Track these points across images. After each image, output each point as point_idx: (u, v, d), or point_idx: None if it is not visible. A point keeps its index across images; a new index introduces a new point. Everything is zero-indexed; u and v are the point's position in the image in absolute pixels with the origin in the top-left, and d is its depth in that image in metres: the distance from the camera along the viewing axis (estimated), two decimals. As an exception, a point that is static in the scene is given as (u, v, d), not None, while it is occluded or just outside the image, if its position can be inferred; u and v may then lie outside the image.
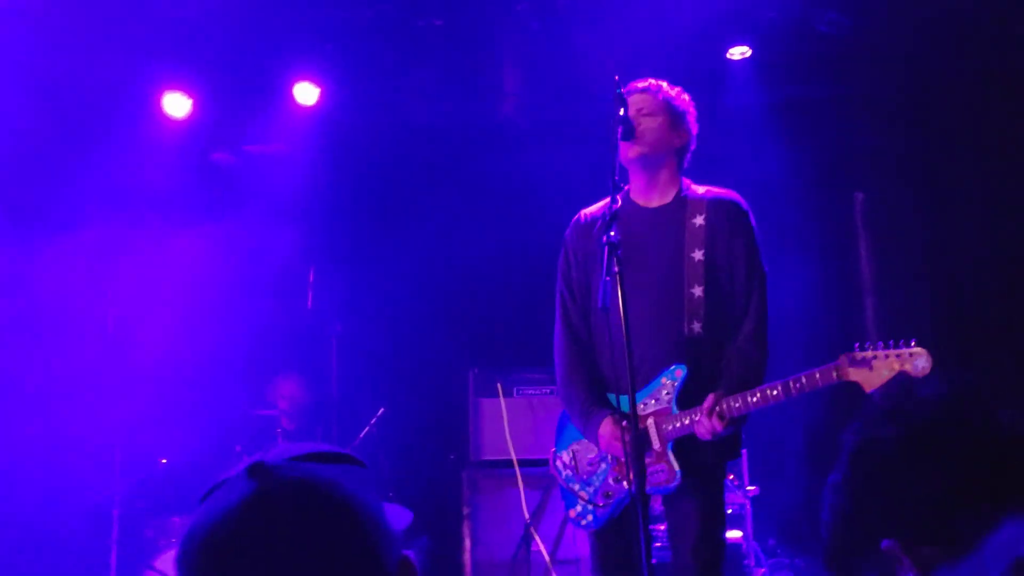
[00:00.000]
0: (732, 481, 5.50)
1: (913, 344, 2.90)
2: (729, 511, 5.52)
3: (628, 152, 3.20)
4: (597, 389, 3.25)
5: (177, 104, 6.00)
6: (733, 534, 5.37)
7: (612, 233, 2.78)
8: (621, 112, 3.08)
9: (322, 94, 6.07)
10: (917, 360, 2.86)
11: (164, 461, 5.50)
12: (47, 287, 5.61)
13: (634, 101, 3.22)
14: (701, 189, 3.31)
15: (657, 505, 3.94)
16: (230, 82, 5.97)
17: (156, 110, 5.98)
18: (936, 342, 5.88)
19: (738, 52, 6.00)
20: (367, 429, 5.52)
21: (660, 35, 5.44)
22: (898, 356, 2.88)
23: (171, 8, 5.18)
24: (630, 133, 3.13)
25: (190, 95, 6.00)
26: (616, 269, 2.76)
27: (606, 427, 3.15)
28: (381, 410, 5.58)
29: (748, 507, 5.52)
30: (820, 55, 5.86)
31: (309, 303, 5.82)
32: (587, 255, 3.32)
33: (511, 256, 6.15)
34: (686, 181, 3.34)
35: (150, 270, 5.96)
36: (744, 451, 5.60)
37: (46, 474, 5.47)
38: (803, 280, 5.96)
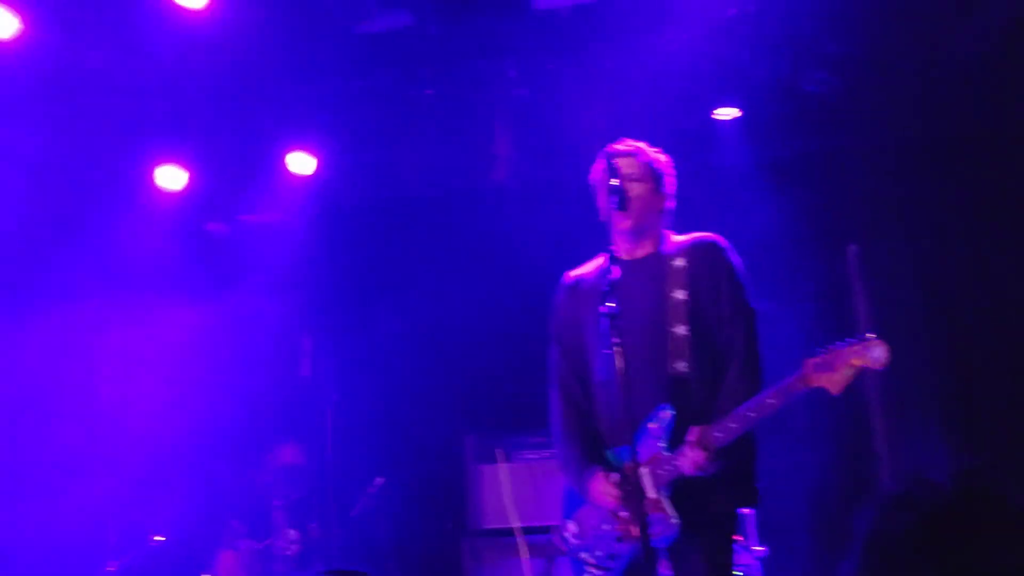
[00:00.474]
0: (739, 541, 5.40)
1: (867, 336, 2.87)
2: (738, 574, 5.43)
3: (621, 224, 3.23)
4: (592, 448, 3.22)
5: (172, 176, 6.04)
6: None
7: (611, 304, 2.76)
8: (615, 182, 3.10)
9: (316, 163, 6.12)
10: (874, 350, 2.84)
11: (160, 539, 5.40)
12: (41, 362, 5.58)
13: (620, 165, 3.24)
14: (682, 237, 3.35)
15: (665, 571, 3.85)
16: (225, 153, 6.03)
17: (150, 182, 6.01)
18: (939, 395, 5.90)
19: (727, 113, 6.07)
20: (365, 499, 5.43)
21: (649, 97, 5.51)
22: (854, 350, 2.86)
23: (165, 81, 5.24)
24: (624, 204, 3.15)
25: (185, 166, 6.05)
26: (616, 340, 2.74)
27: (597, 483, 3.13)
28: (379, 480, 5.50)
29: (758, 569, 5.41)
30: (809, 113, 5.93)
31: (305, 372, 5.79)
32: (577, 316, 3.34)
33: (507, 320, 6.13)
34: (667, 233, 3.38)
35: (145, 342, 5.94)
36: (752, 509, 5.52)
37: (39, 553, 5.36)
38: (800, 335, 5.93)
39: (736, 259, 3.28)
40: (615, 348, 2.72)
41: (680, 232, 3.42)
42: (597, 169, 3.36)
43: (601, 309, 2.79)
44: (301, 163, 6.10)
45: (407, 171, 6.34)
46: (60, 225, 5.81)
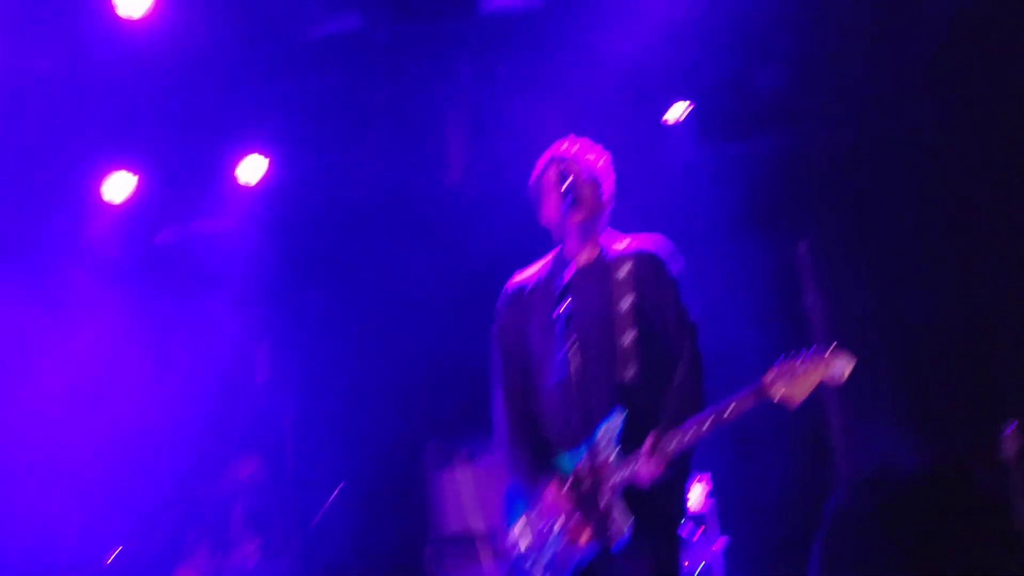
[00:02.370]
0: (699, 533, 5.46)
1: (831, 348, 2.82)
2: (701, 564, 5.48)
3: (573, 218, 3.22)
4: (540, 452, 3.21)
5: (120, 185, 5.93)
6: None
7: (563, 308, 2.75)
8: (567, 182, 3.11)
9: (267, 167, 6.06)
10: (836, 364, 2.79)
11: (118, 550, 5.32)
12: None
13: (570, 168, 3.24)
14: (624, 242, 3.35)
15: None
16: (174, 161, 5.94)
17: (98, 193, 5.90)
18: (892, 387, 6.00)
19: (677, 109, 6.11)
20: (326, 507, 5.40)
21: (601, 95, 5.54)
22: (816, 364, 2.82)
23: (112, 89, 5.15)
24: (576, 202, 3.15)
25: (133, 173, 5.95)
26: (569, 344, 2.73)
27: (549, 491, 3.11)
28: (340, 485, 5.47)
29: (717, 561, 5.47)
30: (759, 109, 6.00)
31: (261, 379, 5.73)
32: (520, 321, 3.33)
33: (465, 322, 6.11)
34: (611, 234, 3.39)
35: (96, 354, 5.84)
36: (712, 500, 5.58)
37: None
38: (752, 331, 6.00)
39: (679, 263, 3.30)
40: (571, 348, 2.71)
41: (624, 231, 3.43)
42: (540, 171, 3.37)
43: (556, 311, 2.76)
44: (251, 169, 6.03)
45: (360, 174, 6.29)
46: (7, 233, 5.69)
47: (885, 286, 6.22)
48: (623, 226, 3.52)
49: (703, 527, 5.47)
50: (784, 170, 6.44)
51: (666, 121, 6.09)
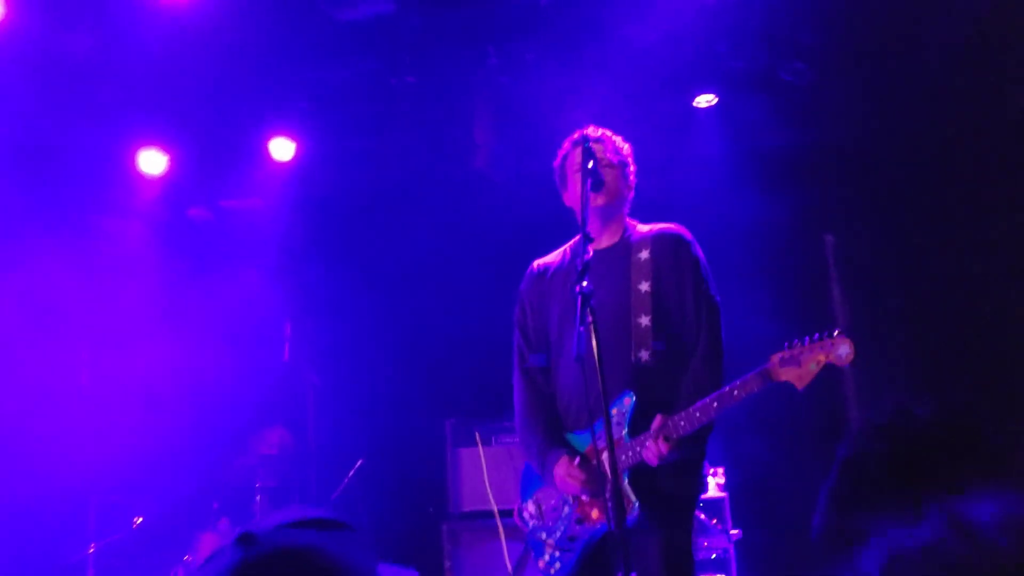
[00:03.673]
0: (715, 524, 5.49)
1: (835, 333, 2.94)
2: (713, 556, 5.52)
3: (595, 201, 3.27)
4: (555, 432, 3.28)
5: (153, 161, 6.04)
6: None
7: (585, 283, 2.78)
8: (590, 164, 3.15)
9: (297, 149, 6.14)
10: (840, 348, 2.90)
11: (139, 520, 5.41)
12: (22, 344, 5.58)
13: (595, 150, 3.29)
14: (646, 227, 3.40)
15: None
16: (206, 139, 6.03)
17: (132, 167, 6.01)
18: (913, 383, 5.99)
19: (704, 100, 6.12)
20: (345, 482, 5.48)
21: (629, 86, 5.56)
22: (821, 347, 2.92)
23: (147, 67, 5.24)
24: (599, 185, 3.20)
25: (166, 151, 6.05)
26: (590, 319, 2.77)
27: (561, 467, 3.18)
28: (359, 462, 5.55)
29: (732, 551, 5.51)
30: (786, 104, 5.99)
31: (286, 356, 5.81)
32: (542, 303, 3.40)
33: (486, 305, 6.17)
34: (631, 222, 3.44)
35: (126, 325, 5.95)
36: (726, 494, 5.61)
37: (17, 534, 5.38)
38: (777, 323, 6.00)
39: (699, 251, 3.34)
40: (588, 328, 2.75)
41: (645, 221, 3.47)
42: (564, 154, 3.42)
43: (576, 288, 2.81)
44: (282, 149, 6.11)
45: (388, 158, 6.36)
46: (42, 208, 5.80)
47: (911, 281, 6.21)
48: (646, 213, 3.57)
49: (715, 519, 5.50)
50: (810, 164, 6.43)
51: (696, 104, 6.09)
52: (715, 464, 5.71)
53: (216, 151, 6.13)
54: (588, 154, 3.17)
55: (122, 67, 5.22)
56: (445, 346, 6.47)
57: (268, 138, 6.08)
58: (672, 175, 5.94)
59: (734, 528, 5.57)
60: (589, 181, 3.15)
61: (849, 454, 1.30)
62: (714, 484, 5.65)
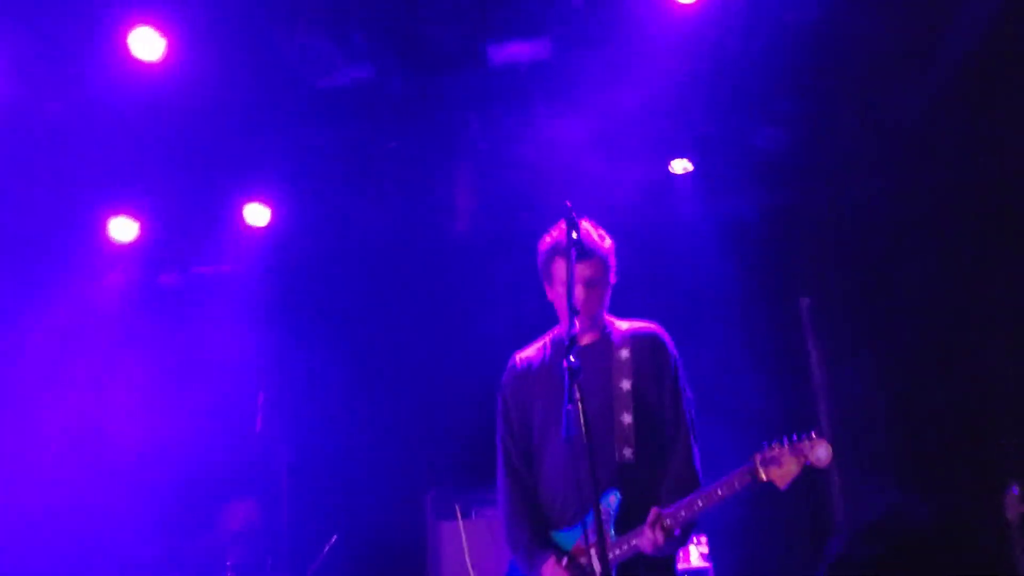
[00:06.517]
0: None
1: (813, 435, 3.09)
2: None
3: (579, 304, 3.24)
4: (541, 530, 3.31)
5: (124, 228, 5.96)
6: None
7: (572, 359, 2.77)
8: (574, 235, 3.14)
9: (272, 215, 6.09)
10: (818, 450, 3.05)
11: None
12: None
13: (578, 271, 3.25)
14: (624, 325, 3.47)
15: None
16: (180, 204, 5.97)
17: (103, 234, 5.92)
18: (892, 445, 5.97)
19: (680, 166, 6.18)
20: (320, 559, 5.31)
21: (605, 152, 5.59)
22: (801, 449, 3.06)
23: (121, 132, 5.19)
24: (585, 253, 3.20)
25: (138, 218, 5.98)
26: (578, 396, 2.76)
27: (548, 568, 3.20)
28: (334, 538, 5.38)
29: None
30: (761, 169, 6.06)
31: (258, 426, 5.68)
32: (525, 401, 3.43)
33: (466, 374, 6.10)
34: (610, 319, 3.49)
35: (94, 395, 5.81)
36: (710, 564, 5.52)
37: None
38: (756, 387, 5.99)
39: (674, 349, 3.43)
40: (579, 403, 2.75)
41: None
42: (547, 256, 3.39)
43: (563, 364, 2.78)
44: (257, 215, 6.06)
45: (367, 223, 6.33)
46: (11, 275, 5.69)
47: (886, 344, 6.23)
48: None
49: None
50: (785, 228, 6.49)
51: (671, 170, 6.15)
52: (697, 532, 5.63)
53: (189, 217, 6.07)
54: (572, 225, 3.17)
55: (94, 133, 5.17)
56: (425, 416, 6.37)
57: (242, 204, 6.03)
58: (649, 239, 5.95)
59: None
60: (574, 252, 3.14)
61: (834, 559, 1.26)
62: (697, 553, 5.57)
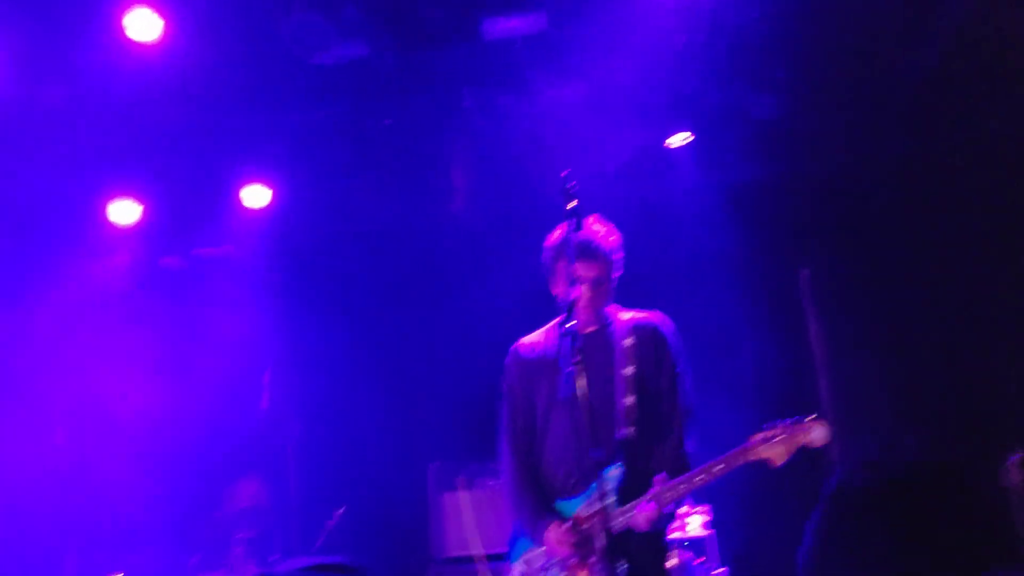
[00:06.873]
0: (701, 563, 5.43)
1: (811, 417, 3.17)
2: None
3: (583, 297, 3.41)
4: (542, 498, 3.46)
5: (126, 210, 5.98)
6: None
7: (573, 323, 2.92)
8: (570, 206, 3.18)
9: (272, 195, 6.10)
10: (815, 431, 3.14)
11: (120, 575, 5.30)
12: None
13: (580, 270, 3.37)
14: (627, 315, 3.61)
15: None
16: (180, 186, 5.99)
17: (104, 217, 5.95)
18: (892, 413, 5.99)
19: (679, 138, 6.17)
20: (327, 531, 5.38)
21: (603, 125, 5.59)
22: (797, 430, 3.16)
23: (119, 115, 5.21)
24: (588, 253, 3.28)
25: (140, 200, 6.00)
26: (578, 358, 2.92)
27: (552, 532, 3.34)
28: (341, 509, 5.45)
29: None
30: (759, 139, 6.05)
31: (265, 405, 5.74)
32: (527, 384, 3.58)
33: (467, 347, 6.14)
34: (612, 308, 3.61)
35: (100, 377, 5.85)
36: (712, 531, 5.57)
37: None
38: (756, 360, 6.02)
39: (675, 339, 3.58)
40: (577, 365, 2.89)
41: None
42: (554, 251, 3.51)
43: (562, 329, 2.93)
44: (256, 195, 6.08)
45: (365, 201, 6.34)
46: (15, 259, 5.73)
47: (885, 313, 6.24)
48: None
49: (703, 558, 5.45)
50: (784, 198, 6.48)
51: (668, 146, 6.15)
52: (700, 502, 5.67)
53: (190, 199, 6.09)
54: (576, 255, 3.27)
55: (94, 117, 5.19)
56: (428, 389, 6.42)
57: (242, 185, 6.04)
58: (648, 214, 5.96)
59: (721, 567, 5.51)
60: (581, 279, 3.35)
61: (834, 488, 1.31)
62: (699, 522, 5.61)
